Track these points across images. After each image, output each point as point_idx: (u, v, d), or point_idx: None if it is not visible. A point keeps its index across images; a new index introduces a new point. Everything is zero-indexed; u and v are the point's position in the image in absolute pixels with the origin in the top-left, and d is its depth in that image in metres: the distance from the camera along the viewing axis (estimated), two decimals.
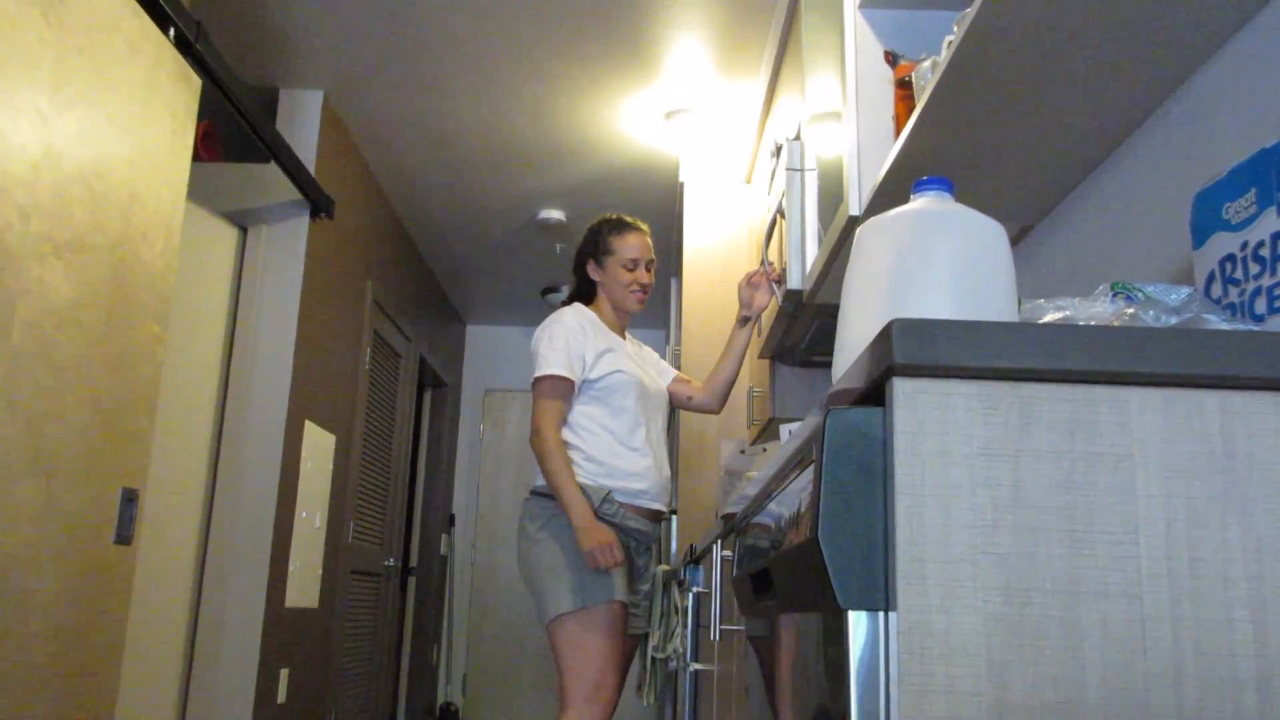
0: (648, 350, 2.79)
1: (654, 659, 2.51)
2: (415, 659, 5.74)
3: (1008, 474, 0.75)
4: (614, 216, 2.66)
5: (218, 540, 3.46)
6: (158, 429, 3.03)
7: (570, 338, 2.48)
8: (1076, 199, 1.75)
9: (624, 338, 2.65)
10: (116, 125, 2.25)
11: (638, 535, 2.48)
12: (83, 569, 2.15)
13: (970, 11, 1.32)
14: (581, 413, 2.48)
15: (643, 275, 2.60)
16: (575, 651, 2.32)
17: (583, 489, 2.38)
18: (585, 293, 2.69)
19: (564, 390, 2.44)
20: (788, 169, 2.58)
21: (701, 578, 2.37)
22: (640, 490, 2.47)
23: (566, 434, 2.46)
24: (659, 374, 2.74)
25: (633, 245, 2.60)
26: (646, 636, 2.55)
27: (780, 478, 1.03)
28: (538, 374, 2.46)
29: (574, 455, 2.44)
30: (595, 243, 2.63)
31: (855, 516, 0.77)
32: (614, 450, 2.45)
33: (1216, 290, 1.08)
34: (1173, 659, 0.73)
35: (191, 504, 3.44)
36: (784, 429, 2.79)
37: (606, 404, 2.47)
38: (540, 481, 2.46)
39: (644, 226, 2.66)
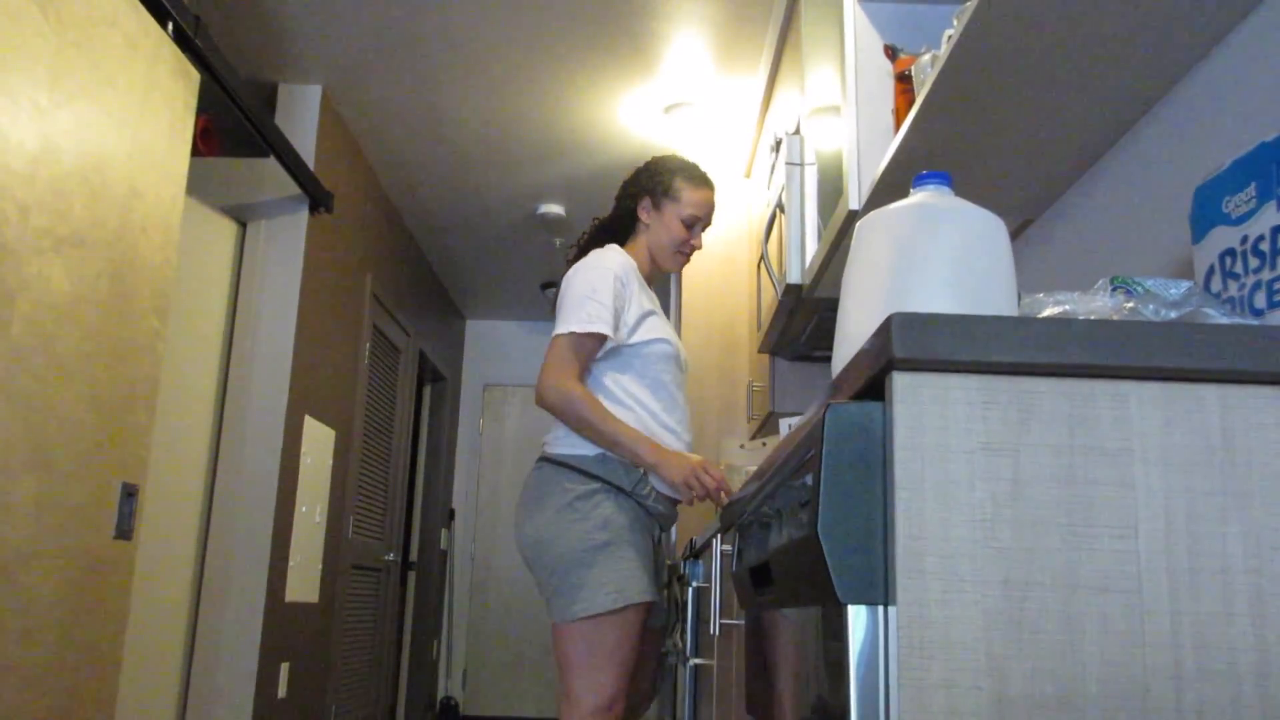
0: None
1: None
2: (415, 653, 5.75)
3: (1007, 468, 0.76)
4: (690, 161, 2.31)
5: (218, 535, 3.46)
6: (157, 424, 3.03)
7: (617, 291, 2.11)
8: (1076, 193, 1.75)
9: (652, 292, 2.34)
10: (115, 120, 2.25)
11: (663, 522, 2.19)
12: (82, 564, 2.15)
13: (970, 5, 1.32)
14: (613, 380, 2.13)
15: (697, 238, 2.28)
16: (597, 658, 1.98)
17: (615, 464, 2.08)
18: (621, 229, 2.32)
19: (592, 349, 2.09)
20: (787, 163, 2.58)
21: (701, 572, 2.37)
22: None
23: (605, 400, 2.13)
24: None
25: (702, 202, 2.26)
26: (663, 630, 2.33)
27: (780, 472, 1.03)
28: (573, 329, 2.06)
29: None
30: (661, 181, 2.26)
31: (855, 511, 0.77)
32: (649, 429, 2.12)
33: (1216, 284, 1.08)
34: (1172, 652, 0.73)
35: (191, 499, 3.44)
36: (783, 423, 2.79)
37: (641, 374, 2.14)
38: (556, 449, 2.12)
39: (714, 185, 2.34)
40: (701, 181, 2.28)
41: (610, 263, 2.15)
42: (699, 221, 2.27)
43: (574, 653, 2.00)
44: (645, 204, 2.28)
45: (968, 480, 0.75)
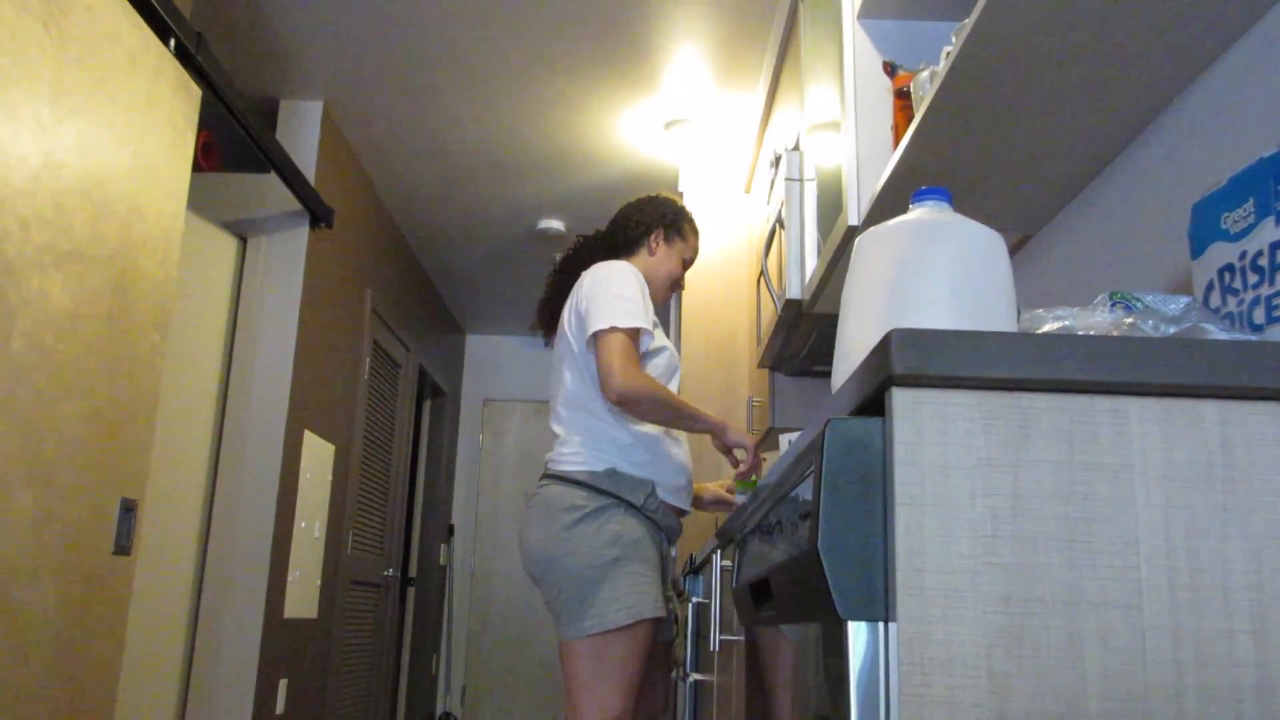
0: None
1: None
2: (414, 669, 5.72)
3: (1007, 484, 0.75)
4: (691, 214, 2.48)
5: (217, 550, 3.46)
6: (157, 439, 3.03)
7: (643, 292, 2.16)
8: (1075, 208, 1.75)
9: None
10: (117, 136, 2.25)
11: (670, 535, 2.21)
12: (81, 579, 2.14)
13: (969, 22, 1.33)
14: None
15: (684, 279, 2.43)
16: (605, 674, 1.98)
17: (626, 479, 2.09)
18: (616, 251, 2.39)
19: (637, 347, 2.12)
20: (787, 179, 2.59)
21: (701, 588, 2.36)
22: (679, 487, 2.19)
23: (613, 412, 2.15)
24: None
25: (698, 248, 2.44)
26: (671, 644, 2.31)
27: (779, 488, 1.03)
28: (616, 324, 2.07)
29: (622, 438, 2.12)
30: (675, 221, 2.38)
31: (855, 527, 0.77)
32: (658, 439, 2.16)
33: (1215, 300, 1.08)
34: (1173, 669, 0.73)
35: (190, 514, 3.43)
36: (783, 439, 2.79)
37: None
38: (564, 465, 2.13)
39: None
40: (698, 231, 2.45)
41: (633, 270, 2.21)
42: (690, 265, 2.43)
43: (582, 669, 1.99)
44: (658, 234, 2.37)
45: (968, 496, 0.75)
